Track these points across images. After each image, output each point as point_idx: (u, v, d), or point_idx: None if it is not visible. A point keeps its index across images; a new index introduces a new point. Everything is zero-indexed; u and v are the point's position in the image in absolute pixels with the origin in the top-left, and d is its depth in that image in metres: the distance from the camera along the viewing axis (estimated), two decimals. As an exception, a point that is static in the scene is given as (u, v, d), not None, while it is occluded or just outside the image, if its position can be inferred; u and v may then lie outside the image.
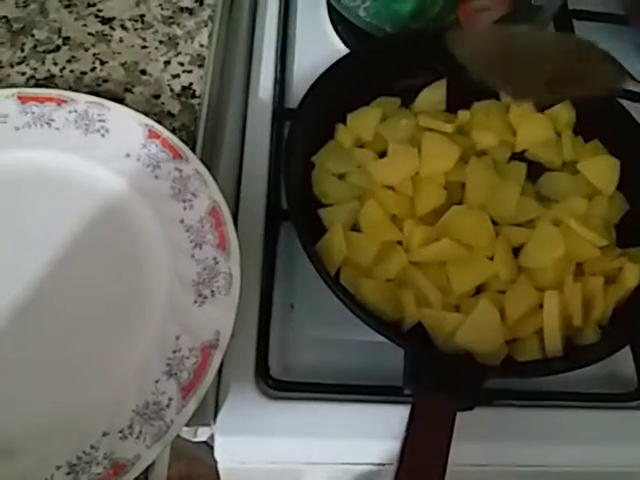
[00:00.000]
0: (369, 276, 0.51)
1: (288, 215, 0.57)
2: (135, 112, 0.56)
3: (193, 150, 0.55)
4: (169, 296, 0.48)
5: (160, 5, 0.67)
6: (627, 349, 0.55)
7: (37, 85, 0.60)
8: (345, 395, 0.51)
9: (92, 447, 0.42)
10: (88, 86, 0.60)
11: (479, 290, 0.52)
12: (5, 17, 0.64)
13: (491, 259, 0.52)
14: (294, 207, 0.52)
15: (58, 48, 0.62)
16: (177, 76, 0.62)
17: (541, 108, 0.62)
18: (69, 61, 0.62)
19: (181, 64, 0.63)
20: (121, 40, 0.64)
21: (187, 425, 0.43)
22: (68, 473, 0.41)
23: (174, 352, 0.45)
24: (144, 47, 0.63)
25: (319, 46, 0.70)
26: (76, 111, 0.56)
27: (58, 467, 0.41)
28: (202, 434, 0.49)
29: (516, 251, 0.54)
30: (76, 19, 0.64)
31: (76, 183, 0.53)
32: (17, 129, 0.55)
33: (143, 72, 0.62)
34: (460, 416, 0.45)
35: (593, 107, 0.60)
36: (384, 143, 0.58)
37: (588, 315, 0.51)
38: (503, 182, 0.56)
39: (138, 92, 0.60)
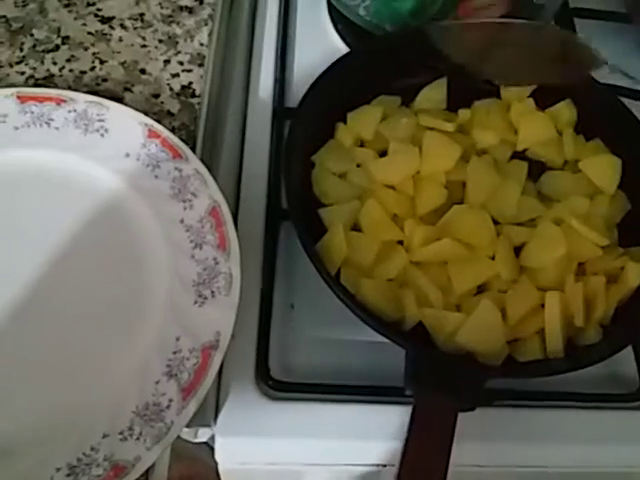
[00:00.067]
0: (370, 276, 0.51)
1: (288, 215, 0.57)
2: (135, 111, 0.56)
3: (193, 150, 0.55)
4: (169, 296, 0.48)
5: (160, 4, 0.66)
6: (629, 349, 0.54)
7: (36, 85, 0.59)
8: (346, 396, 0.51)
9: (92, 449, 0.41)
10: (87, 85, 0.60)
11: (480, 290, 0.52)
12: (4, 17, 0.64)
13: (492, 259, 0.52)
14: (294, 207, 0.52)
15: (57, 47, 0.62)
16: (177, 75, 0.62)
17: (542, 106, 0.62)
18: (68, 60, 0.61)
19: (181, 63, 0.63)
20: (120, 39, 0.63)
21: (187, 426, 0.43)
22: (68, 475, 0.41)
23: (174, 353, 0.45)
24: (144, 46, 0.63)
25: (319, 45, 0.70)
26: (75, 111, 0.56)
27: (58, 469, 0.41)
28: (202, 435, 0.49)
29: (517, 250, 0.54)
30: (75, 18, 0.64)
31: (75, 183, 0.53)
32: (16, 129, 0.55)
33: (143, 71, 0.62)
34: (461, 416, 0.45)
35: (594, 105, 0.60)
36: (384, 142, 0.58)
37: (590, 315, 0.51)
38: (504, 181, 0.56)
39: (137, 91, 0.60)
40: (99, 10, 0.65)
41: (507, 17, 0.64)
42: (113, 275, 0.50)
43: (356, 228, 0.53)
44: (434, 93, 0.62)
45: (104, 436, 0.42)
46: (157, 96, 0.60)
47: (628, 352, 0.55)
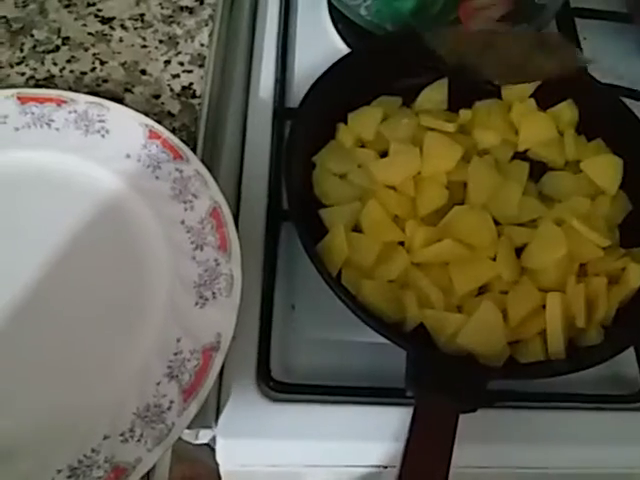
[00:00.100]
0: (371, 277, 0.51)
1: (289, 215, 0.57)
2: (135, 112, 0.56)
3: (194, 150, 0.55)
4: (170, 298, 0.48)
5: (160, 4, 0.66)
6: (630, 350, 0.54)
7: (37, 85, 0.59)
8: (347, 397, 0.51)
9: (93, 450, 0.41)
10: (88, 86, 0.60)
11: (481, 291, 0.52)
12: (4, 17, 0.63)
13: (493, 259, 0.52)
14: (295, 207, 0.52)
15: (58, 48, 0.62)
16: (177, 76, 0.62)
17: (544, 107, 0.62)
18: (69, 61, 0.61)
19: (181, 64, 0.62)
20: (121, 40, 0.63)
21: (188, 428, 0.43)
22: (69, 477, 0.40)
23: (175, 354, 0.45)
24: (144, 47, 0.63)
25: (320, 45, 0.70)
26: (76, 111, 0.55)
27: (59, 471, 0.41)
28: (203, 436, 0.49)
29: (519, 251, 0.54)
30: (76, 19, 0.64)
31: (76, 184, 0.53)
32: (17, 130, 0.55)
33: (143, 72, 0.61)
34: (462, 418, 0.45)
35: (596, 106, 0.60)
36: (385, 143, 0.58)
37: (591, 316, 0.51)
38: (505, 182, 0.56)
39: (138, 92, 0.60)
40: (99, 10, 0.65)
41: (508, 17, 0.64)
42: (114, 276, 0.50)
43: (357, 229, 0.53)
44: (435, 93, 0.62)
45: (105, 438, 0.42)
46: (158, 97, 0.60)
47: (630, 353, 0.55)
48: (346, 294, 0.49)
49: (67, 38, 0.63)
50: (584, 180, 0.58)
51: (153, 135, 0.54)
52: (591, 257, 0.53)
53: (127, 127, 0.55)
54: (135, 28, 0.64)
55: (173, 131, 0.57)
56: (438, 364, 0.47)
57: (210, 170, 0.53)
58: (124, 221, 0.52)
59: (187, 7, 0.67)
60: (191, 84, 0.61)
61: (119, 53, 0.62)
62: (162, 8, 0.66)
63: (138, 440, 0.42)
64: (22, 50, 0.61)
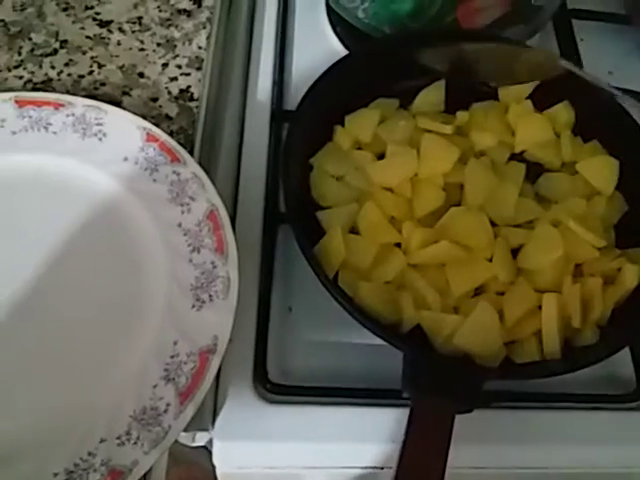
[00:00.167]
0: (367, 278, 0.51)
1: (286, 218, 0.57)
2: (133, 115, 0.56)
3: (191, 153, 0.55)
4: (167, 300, 0.48)
5: (158, 7, 0.67)
6: (626, 350, 0.54)
7: (34, 89, 0.60)
8: (344, 398, 0.51)
9: (89, 454, 0.41)
10: (86, 89, 0.60)
11: (478, 292, 0.52)
12: (2, 20, 0.64)
13: (490, 260, 0.52)
14: (292, 210, 0.52)
15: (55, 52, 0.62)
16: (175, 79, 0.62)
17: (540, 108, 0.62)
18: (66, 64, 0.61)
19: (179, 67, 0.63)
20: (119, 43, 0.64)
21: (185, 430, 0.43)
22: (66, 480, 0.41)
23: (172, 357, 0.45)
24: (142, 50, 0.63)
25: (317, 47, 0.70)
26: (73, 115, 0.56)
27: (55, 474, 0.41)
28: (200, 439, 0.49)
29: (515, 252, 0.54)
30: (73, 22, 0.64)
31: (74, 187, 0.53)
32: (14, 133, 0.55)
33: (141, 75, 0.62)
34: (459, 418, 0.45)
35: (592, 107, 0.60)
36: (382, 145, 0.58)
37: (587, 316, 0.51)
38: (502, 183, 0.56)
39: (136, 95, 0.60)
40: (97, 14, 0.65)
41: (505, 19, 0.64)
42: (111, 279, 0.50)
43: (354, 231, 0.54)
44: (432, 95, 0.62)
45: (101, 441, 0.42)
46: (155, 100, 0.60)
47: (625, 353, 0.55)
48: (343, 296, 0.49)
49: (65, 41, 0.63)
50: (580, 181, 0.58)
51: (150, 138, 0.55)
52: (587, 258, 0.53)
53: (124, 130, 0.55)
54: (133, 31, 0.64)
55: (171, 134, 0.57)
56: (435, 365, 0.48)
57: (207, 173, 0.53)
58: (121, 224, 0.52)
59: (185, 10, 0.67)
60: (189, 87, 0.61)
61: (117, 56, 0.63)
62: (160, 11, 0.66)
63: (135, 443, 0.42)
64: (20, 53, 0.62)
